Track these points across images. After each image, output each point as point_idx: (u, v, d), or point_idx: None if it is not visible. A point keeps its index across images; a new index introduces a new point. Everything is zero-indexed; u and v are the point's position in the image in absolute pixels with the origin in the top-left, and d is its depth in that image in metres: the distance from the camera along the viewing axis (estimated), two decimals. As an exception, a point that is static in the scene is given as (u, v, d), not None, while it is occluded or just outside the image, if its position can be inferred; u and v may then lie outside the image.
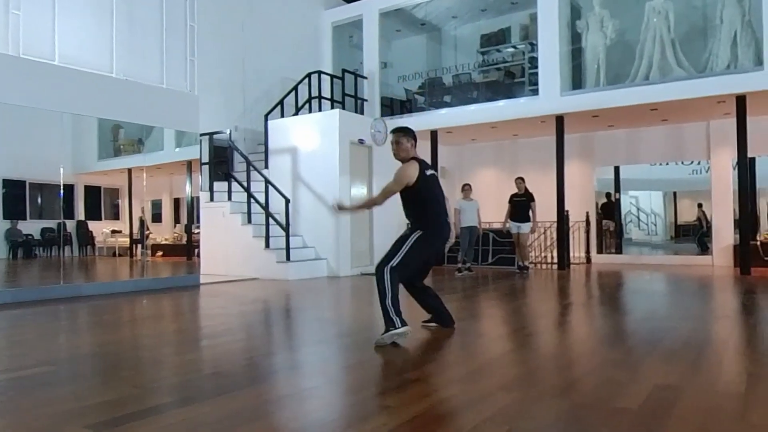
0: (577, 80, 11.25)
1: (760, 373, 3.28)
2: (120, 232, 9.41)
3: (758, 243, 11.01)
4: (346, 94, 12.07)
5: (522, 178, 10.59)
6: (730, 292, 7.56)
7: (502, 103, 11.67)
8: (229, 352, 4.07)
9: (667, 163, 19.25)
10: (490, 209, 11.70)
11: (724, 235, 11.61)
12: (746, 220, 10.33)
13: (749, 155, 10.05)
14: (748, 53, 9.74)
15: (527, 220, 10.42)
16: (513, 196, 10.56)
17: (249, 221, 9.98)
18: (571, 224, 11.54)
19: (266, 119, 11.17)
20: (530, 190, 10.50)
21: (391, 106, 13.03)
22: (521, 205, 10.43)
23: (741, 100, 9.71)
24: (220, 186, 10.32)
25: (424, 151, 12.61)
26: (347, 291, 8.26)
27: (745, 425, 2.42)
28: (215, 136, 10.33)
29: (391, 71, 13.51)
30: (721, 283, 8.52)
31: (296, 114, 11.27)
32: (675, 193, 26.65)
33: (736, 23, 9.87)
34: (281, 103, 11.25)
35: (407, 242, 4.35)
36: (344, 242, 10.32)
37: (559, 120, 11.07)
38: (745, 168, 10.04)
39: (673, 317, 5.59)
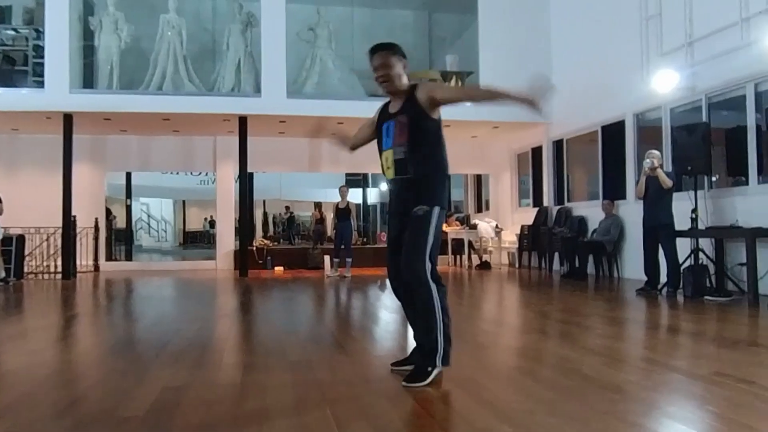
0: (89, 79, 10.73)
1: (253, 363, 3.69)
2: None
3: (254, 248, 12.46)
4: None
5: None
6: (231, 293, 8.33)
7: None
8: None
9: (178, 173, 20.03)
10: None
11: (227, 241, 12.73)
12: (245, 228, 11.60)
13: (249, 170, 11.31)
14: (250, 80, 10.97)
15: None
16: None
17: None
18: (78, 230, 10.89)
19: None
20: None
21: None
22: None
23: (243, 121, 10.86)
24: None
25: None
26: None
27: (241, 411, 2.69)
28: None
29: None
30: (223, 286, 9.31)
31: None
32: (184, 202, 27.98)
33: (240, 52, 11.00)
34: None
35: (430, 223, 3.08)
36: None
37: (68, 118, 10.34)
38: (245, 181, 11.28)
39: (180, 320, 5.83)
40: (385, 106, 3.31)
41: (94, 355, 4.22)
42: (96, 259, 11.94)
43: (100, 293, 8.72)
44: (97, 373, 3.57)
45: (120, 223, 16.70)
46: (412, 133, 3.11)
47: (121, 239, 15.93)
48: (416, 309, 3.09)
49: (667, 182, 7.04)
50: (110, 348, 4.43)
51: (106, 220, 13.09)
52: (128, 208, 16.11)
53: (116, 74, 10.65)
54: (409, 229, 3.08)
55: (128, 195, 15.87)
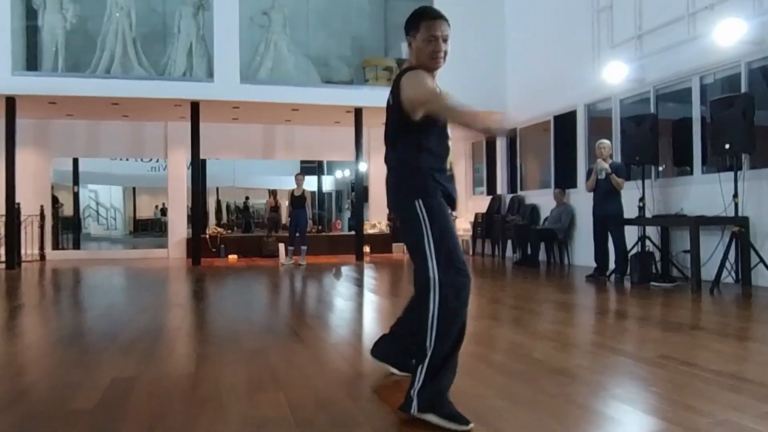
0: (32, 61, 10.32)
1: (206, 353, 3.65)
2: None
3: (207, 236, 12.27)
4: None
5: None
6: (183, 282, 8.19)
7: (-66, 72, 9.74)
8: None
9: (128, 159, 19.51)
10: None
11: (179, 229, 12.49)
12: (198, 216, 11.40)
13: (201, 157, 11.10)
14: (202, 65, 10.74)
15: None
16: None
17: None
18: (23, 218, 10.52)
19: None
20: None
21: None
22: None
23: (195, 107, 10.63)
24: None
25: None
26: None
27: (195, 401, 2.66)
28: None
29: None
30: (176, 274, 9.15)
31: None
32: (135, 189, 27.28)
33: (192, 36, 10.75)
34: None
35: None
36: None
37: (10, 102, 9.94)
38: (198, 168, 11.07)
39: (131, 310, 5.72)
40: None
41: (40, 347, 4.10)
42: (42, 248, 11.57)
43: (47, 283, 8.46)
44: (44, 366, 3.47)
45: (67, 210, 16.19)
46: None
47: (68, 227, 15.44)
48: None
49: (621, 185, 7.23)
50: (57, 339, 4.31)
51: (53, 207, 12.67)
52: (75, 196, 15.64)
53: (61, 56, 10.27)
54: None
55: (75, 182, 15.40)
